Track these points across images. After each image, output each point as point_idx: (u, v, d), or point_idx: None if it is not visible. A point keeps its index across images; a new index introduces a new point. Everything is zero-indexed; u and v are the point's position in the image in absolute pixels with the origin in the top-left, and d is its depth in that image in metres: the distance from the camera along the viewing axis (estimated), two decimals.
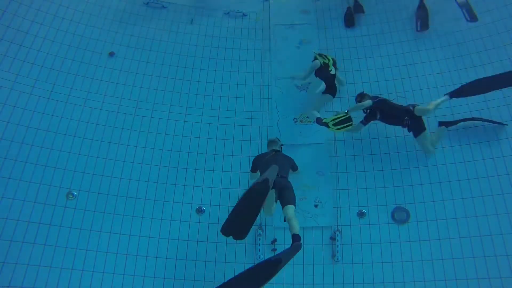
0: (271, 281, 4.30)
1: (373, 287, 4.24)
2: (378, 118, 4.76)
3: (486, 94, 4.82)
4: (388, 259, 4.34)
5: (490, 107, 4.81)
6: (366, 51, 5.78)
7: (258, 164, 4.30)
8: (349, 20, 6.02)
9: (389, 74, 5.49)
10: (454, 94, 4.57)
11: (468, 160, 4.61)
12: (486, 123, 4.69)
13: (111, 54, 5.47)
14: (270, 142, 4.60)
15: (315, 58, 5.20)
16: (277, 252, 3.78)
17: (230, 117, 5.34)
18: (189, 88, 5.51)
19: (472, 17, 5.27)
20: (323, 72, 5.10)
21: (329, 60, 5.13)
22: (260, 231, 4.55)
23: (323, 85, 5.03)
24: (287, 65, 5.74)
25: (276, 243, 4.53)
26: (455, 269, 4.14)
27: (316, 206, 4.70)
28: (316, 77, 5.18)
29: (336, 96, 5.24)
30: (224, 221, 3.56)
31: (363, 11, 6.04)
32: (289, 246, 3.53)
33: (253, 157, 4.48)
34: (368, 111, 4.80)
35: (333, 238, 4.48)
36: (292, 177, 4.32)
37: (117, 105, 5.15)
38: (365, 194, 4.73)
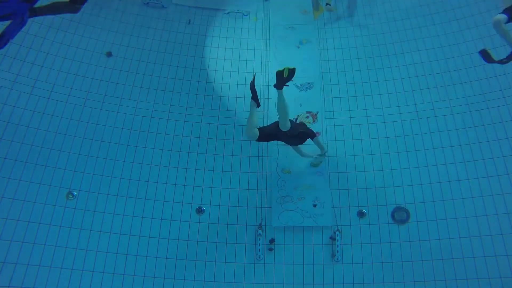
0: (271, 281, 4.36)
1: (373, 287, 4.25)
2: None
3: (486, 94, 4.86)
4: (388, 259, 4.35)
5: (490, 107, 4.82)
6: (366, 50, 5.79)
7: None
8: None
9: (389, 74, 5.50)
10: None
11: (468, 160, 4.62)
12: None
13: (109, 54, 5.46)
14: None
15: None
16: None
17: (230, 117, 5.35)
18: (189, 88, 5.51)
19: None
20: None
21: None
22: (260, 231, 4.55)
23: None
24: (287, 65, 5.72)
25: (274, 243, 4.53)
26: (455, 269, 4.15)
27: (315, 206, 4.70)
28: None
29: None
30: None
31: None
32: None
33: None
34: None
35: (333, 238, 4.48)
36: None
37: (117, 105, 5.15)
38: (365, 194, 4.73)
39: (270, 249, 4.46)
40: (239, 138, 5.21)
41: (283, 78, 3.98)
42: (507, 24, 3.84)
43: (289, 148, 4.89)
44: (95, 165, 4.71)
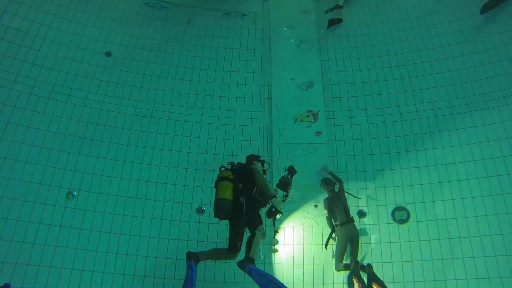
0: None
1: None
2: None
3: (486, 94, 4.86)
4: (388, 259, 4.35)
5: (490, 107, 4.82)
6: (366, 50, 5.78)
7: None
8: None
9: (389, 74, 5.50)
10: None
11: (468, 160, 4.62)
12: None
13: (108, 54, 5.45)
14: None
15: None
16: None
17: (230, 117, 5.35)
18: (189, 88, 5.51)
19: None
20: None
21: None
22: None
23: None
24: (287, 65, 5.75)
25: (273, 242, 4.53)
26: (455, 269, 4.14)
27: (316, 206, 4.70)
28: None
29: None
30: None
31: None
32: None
33: None
34: None
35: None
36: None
37: (117, 105, 5.15)
38: (365, 194, 4.73)
39: (275, 251, 4.48)
40: (239, 138, 5.21)
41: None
42: None
43: (289, 147, 4.91)
44: (95, 165, 4.71)
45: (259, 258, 4.43)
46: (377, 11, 6.09)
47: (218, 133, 5.22)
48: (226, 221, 4.66)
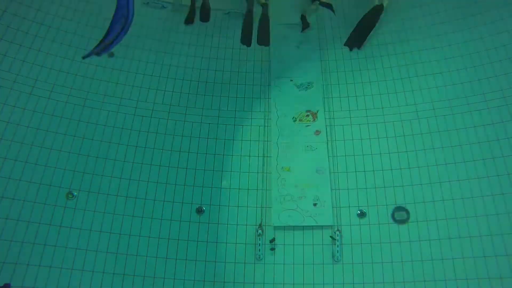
0: (271, 281, 4.35)
1: (373, 287, 4.25)
2: None
3: (486, 94, 4.86)
4: (388, 259, 4.35)
5: (490, 107, 4.81)
6: (366, 50, 5.78)
7: None
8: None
9: (389, 74, 5.49)
10: None
11: (468, 160, 4.61)
12: None
13: (110, 55, 5.44)
14: None
15: None
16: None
17: (230, 117, 5.35)
18: (189, 88, 5.52)
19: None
20: None
21: None
22: (260, 231, 4.56)
23: None
24: (287, 64, 5.75)
25: (274, 242, 4.53)
26: (455, 269, 4.15)
27: (315, 205, 4.70)
28: None
29: None
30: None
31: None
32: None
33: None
34: None
35: (333, 238, 4.48)
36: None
37: (117, 105, 5.15)
38: (365, 194, 4.73)
39: (272, 249, 4.46)
40: (239, 138, 5.21)
41: None
42: None
43: (288, 146, 4.92)
44: (95, 165, 4.71)
45: (259, 258, 4.44)
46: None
47: (218, 133, 5.22)
48: (226, 222, 4.69)
